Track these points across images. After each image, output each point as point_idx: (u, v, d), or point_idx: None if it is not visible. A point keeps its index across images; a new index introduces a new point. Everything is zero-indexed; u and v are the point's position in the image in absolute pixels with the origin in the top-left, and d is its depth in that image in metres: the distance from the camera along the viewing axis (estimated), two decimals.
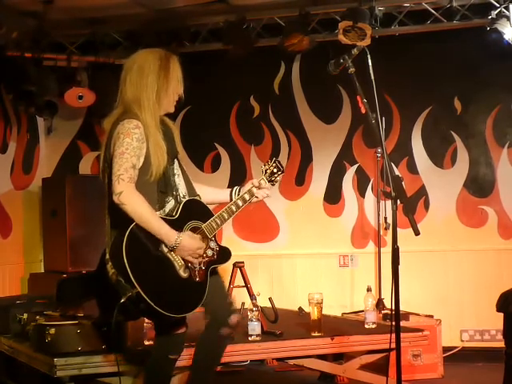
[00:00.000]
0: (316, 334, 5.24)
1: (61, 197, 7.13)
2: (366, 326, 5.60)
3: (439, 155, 7.28)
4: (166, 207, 3.82)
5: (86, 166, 7.98)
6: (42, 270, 7.58)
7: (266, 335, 5.23)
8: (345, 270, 7.36)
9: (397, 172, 6.98)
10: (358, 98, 3.66)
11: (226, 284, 4.86)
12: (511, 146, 7.14)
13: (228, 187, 7.46)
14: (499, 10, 6.43)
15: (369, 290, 5.80)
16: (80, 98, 7.25)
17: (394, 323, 3.52)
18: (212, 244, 3.90)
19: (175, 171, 3.94)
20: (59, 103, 7.43)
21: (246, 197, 4.06)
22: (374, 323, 5.61)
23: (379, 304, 6.60)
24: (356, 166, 7.44)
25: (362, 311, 5.90)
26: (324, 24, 6.95)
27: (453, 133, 7.23)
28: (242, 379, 6.15)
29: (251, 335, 5.12)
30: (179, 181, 3.94)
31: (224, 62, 7.14)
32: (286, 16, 6.91)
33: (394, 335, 3.51)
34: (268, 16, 7.00)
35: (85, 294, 5.38)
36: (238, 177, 7.61)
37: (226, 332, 3.96)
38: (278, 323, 5.51)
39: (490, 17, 6.45)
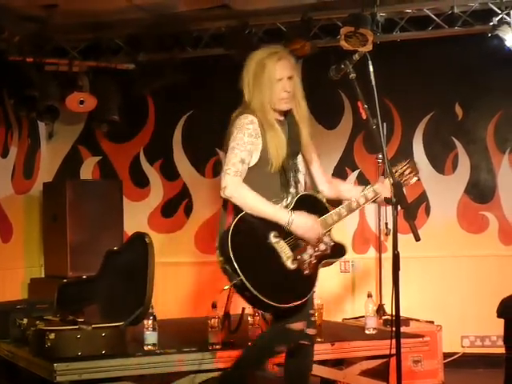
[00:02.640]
0: (316, 339, 5.23)
1: (61, 201, 7.14)
2: (367, 332, 5.59)
3: (440, 161, 7.27)
4: (283, 202, 3.90)
5: (86, 171, 7.99)
6: (43, 275, 7.58)
7: None
8: (346, 275, 7.36)
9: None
10: (359, 103, 3.67)
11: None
12: None
13: None
14: (501, 16, 6.43)
15: (369, 295, 5.80)
16: (81, 102, 7.25)
17: (394, 329, 3.51)
18: (326, 239, 3.93)
19: (298, 167, 4.03)
20: (60, 108, 7.42)
21: (369, 195, 4.02)
22: (374, 329, 5.60)
23: (380, 310, 6.60)
24: (357, 172, 7.43)
25: (363, 317, 5.89)
26: (326, 29, 6.95)
27: (454, 139, 7.24)
28: None
29: (252, 340, 5.10)
30: (302, 178, 4.04)
31: (226, 67, 7.14)
32: (287, 21, 6.91)
33: (394, 341, 3.51)
34: (270, 21, 7.00)
35: (85, 299, 5.38)
36: None
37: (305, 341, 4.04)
38: None
39: (491, 23, 6.45)
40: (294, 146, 4.00)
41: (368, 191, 4.02)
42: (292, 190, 3.95)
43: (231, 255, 3.70)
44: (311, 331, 4.04)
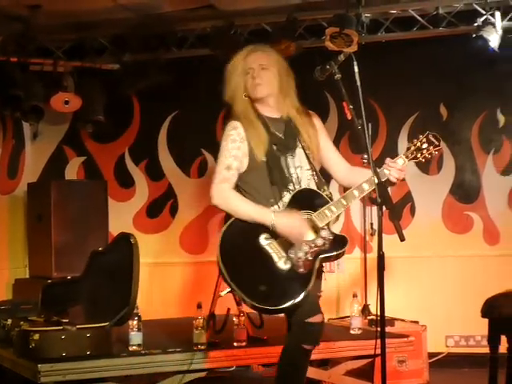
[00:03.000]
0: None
1: (46, 202, 7.10)
2: (352, 332, 5.60)
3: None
4: (280, 201, 3.85)
5: (71, 171, 7.95)
6: (27, 276, 7.55)
7: (252, 341, 5.22)
8: (331, 275, 7.35)
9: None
10: (344, 104, 3.67)
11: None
12: (496, 153, 7.18)
13: None
14: (485, 17, 6.45)
15: (354, 295, 5.81)
16: (66, 103, 7.23)
17: (379, 329, 3.52)
18: (323, 233, 3.83)
19: (296, 163, 3.94)
20: (45, 108, 7.39)
21: (373, 179, 3.74)
22: (359, 329, 5.61)
23: (365, 310, 6.61)
24: None
25: (348, 317, 5.91)
26: (311, 30, 6.95)
27: None
28: None
29: (237, 341, 5.11)
30: (302, 173, 3.94)
31: (212, 67, 7.11)
32: (273, 22, 6.91)
33: (379, 341, 3.51)
34: (255, 22, 7.00)
35: (70, 300, 5.36)
36: None
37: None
38: (264, 329, 5.51)
39: (475, 24, 6.47)
40: (289, 143, 3.96)
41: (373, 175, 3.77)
42: (291, 186, 3.88)
43: (221, 263, 3.72)
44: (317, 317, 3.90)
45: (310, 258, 3.77)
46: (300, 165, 3.96)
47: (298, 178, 3.93)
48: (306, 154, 3.98)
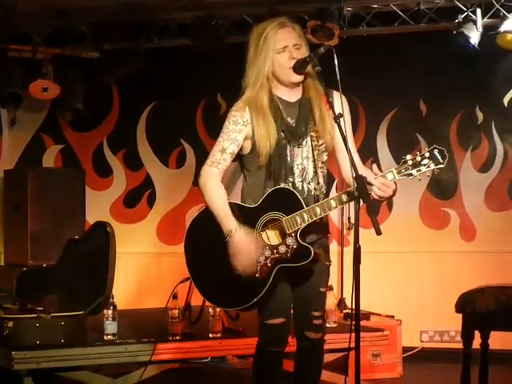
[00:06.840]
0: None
1: (23, 189, 7.07)
2: (327, 325, 5.61)
3: (404, 156, 7.30)
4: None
5: (49, 159, 7.90)
6: (2, 263, 7.51)
7: (227, 332, 5.22)
8: None
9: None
10: (324, 97, 3.66)
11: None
12: (474, 150, 7.22)
13: (192, 184, 7.35)
14: (466, 14, 6.50)
15: (330, 289, 5.82)
16: (45, 90, 7.18)
17: (354, 322, 3.51)
18: (289, 240, 3.53)
19: (304, 153, 3.65)
20: (23, 95, 7.33)
21: (353, 192, 3.42)
22: (334, 322, 5.63)
23: (341, 303, 6.63)
24: None
25: None
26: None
27: (418, 135, 7.28)
28: (202, 376, 6.14)
29: (212, 332, 5.11)
30: (308, 165, 3.66)
31: (192, 58, 7.12)
32: (254, 14, 6.90)
33: (354, 335, 3.51)
34: (237, 13, 6.98)
35: (45, 288, 5.34)
36: None
37: (303, 344, 3.81)
38: (240, 320, 5.51)
39: (456, 21, 6.51)
40: (299, 130, 3.64)
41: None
42: (291, 179, 3.61)
43: (184, 249, 3.66)
44: (311, 334, 3.78)
45: (269, 265, 3.54)
46: (308, 155, 3.67)
47: (304, 169, 3.66)
48: (312, 144, 3.66)
